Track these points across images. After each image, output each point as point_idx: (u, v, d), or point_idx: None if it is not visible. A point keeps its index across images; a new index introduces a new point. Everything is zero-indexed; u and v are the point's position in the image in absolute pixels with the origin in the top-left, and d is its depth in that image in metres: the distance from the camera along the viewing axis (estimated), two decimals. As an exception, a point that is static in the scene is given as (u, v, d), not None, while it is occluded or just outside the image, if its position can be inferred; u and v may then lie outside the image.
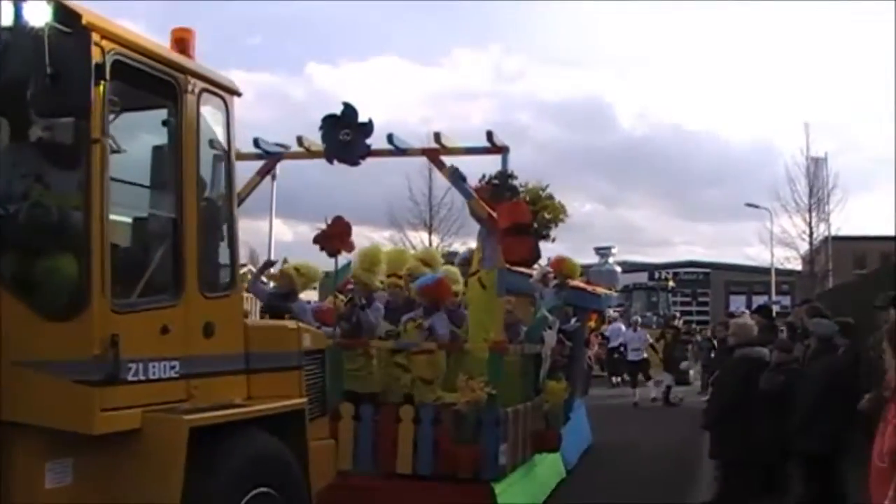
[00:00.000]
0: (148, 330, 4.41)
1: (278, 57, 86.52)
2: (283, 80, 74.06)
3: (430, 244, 33.94)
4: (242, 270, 9.18)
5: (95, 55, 4.07)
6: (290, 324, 5.73)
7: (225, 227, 5.24)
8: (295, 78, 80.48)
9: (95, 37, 4.09)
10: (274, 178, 23.26)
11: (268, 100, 70.55)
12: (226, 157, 5.24)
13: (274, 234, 26.20)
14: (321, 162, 8.17)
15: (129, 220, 4.73)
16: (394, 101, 63.26)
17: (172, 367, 4.56)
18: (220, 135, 5.21)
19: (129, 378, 4.24)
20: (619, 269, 30.61)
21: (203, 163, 4.98)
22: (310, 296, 11.69)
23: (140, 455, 4.24)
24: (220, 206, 5.23)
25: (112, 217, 4.40)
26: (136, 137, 4.81)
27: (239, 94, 5.30)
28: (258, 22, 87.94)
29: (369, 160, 8.11)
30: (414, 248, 29.96)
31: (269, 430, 5.00)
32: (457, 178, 8.10)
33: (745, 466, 7.99)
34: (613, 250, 30.62)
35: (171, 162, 4.77)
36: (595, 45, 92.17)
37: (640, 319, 24.46)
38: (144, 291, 4.51)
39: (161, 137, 4.88)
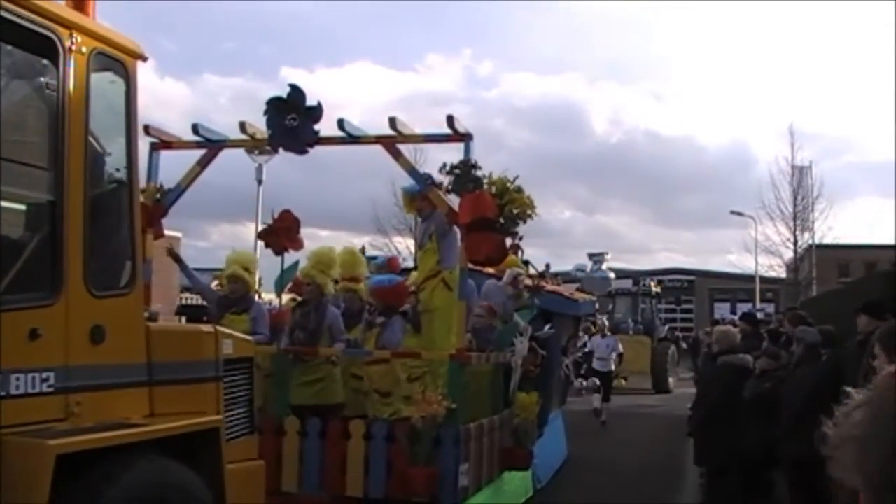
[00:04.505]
0: (10, 334, 3.61)
1: (252, 62, 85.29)
2: (258, 86, 72.72)
3: (416, 250, 33.21)
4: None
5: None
6: (206, 328, 4.93)
7: (124, 215, 4.45)
8: (269, 84, 79.35)
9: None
10: (260, 182, 22.55)
11: (241, 104, 69.37)
12: (126, 132, 4.46)
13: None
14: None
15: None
16: (368, 106, 62.14)
17: (45, 380, 3.78)
18: (120, 105, 4.43)
19: (-19, 394, 3.46)
20: (612, 275, 30.00)
21: (95, 138, 4.21)
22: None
23: (-6, 488, 3.46)
24: (117, 190, 4.45)
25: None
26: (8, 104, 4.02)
27: (144, 59, 4.52)
28: (232, 27, 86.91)
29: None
30: (399, 252, 29.27)
31: (175, 453, 4.24)
32: (414, 167, 7.35)
33: (729, 473, 8.05)
34: (607, 256, 30.03)
35: (51, 135, 3.99)
36: (566, 50, 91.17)
37: (606, 323, 21.42)
38: (8, 288, 3.71)
39: (42, 105, 4.09)
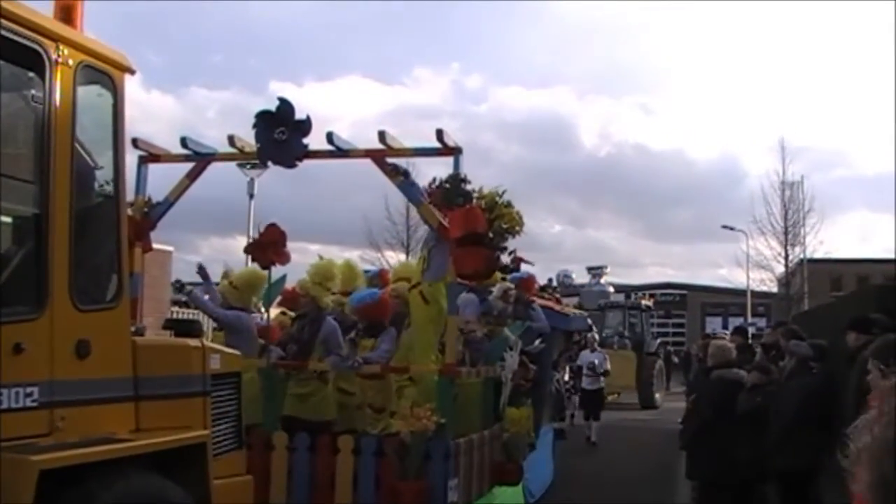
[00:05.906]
0: (-7, 349, 3.58)
1: (240, 75, 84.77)
2: (246, 99, 72.18)
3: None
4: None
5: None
6: (193, 342, 4.90)
7: (110, 229, 4.42)
8: (258, 97, 78.89)
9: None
10: (252, 196, 22.53)
11: (230, 117, 69.16)
12: (114, 145, 4.44)
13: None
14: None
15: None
16: (357, 120, 61.99)
17: (28, 395, 3.74)
18: (107, 118, 4.41)
19: (-38, 409, 3.42)
20: (612, 289, 29.97)
21: (82, 151, 4.19)
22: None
23: (-24, 505, 3.42)
24: (104, 203, 4.42)
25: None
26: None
27: (131, 72, 4.51)
28: (220, 40, 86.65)
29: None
30: (391, 266, 29.22)
31: (161, 468, 4.20)
32: (403, 180, 7.33)
33: (721, 486, 8.04)
34: (606, 270, 30.03)
35: (37, 148, 3.97)
36: (554, 64, 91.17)
37: (595, 337, 19.28)
38: (-9, 302, 3.68)
39: (28, 118, 4.07)
